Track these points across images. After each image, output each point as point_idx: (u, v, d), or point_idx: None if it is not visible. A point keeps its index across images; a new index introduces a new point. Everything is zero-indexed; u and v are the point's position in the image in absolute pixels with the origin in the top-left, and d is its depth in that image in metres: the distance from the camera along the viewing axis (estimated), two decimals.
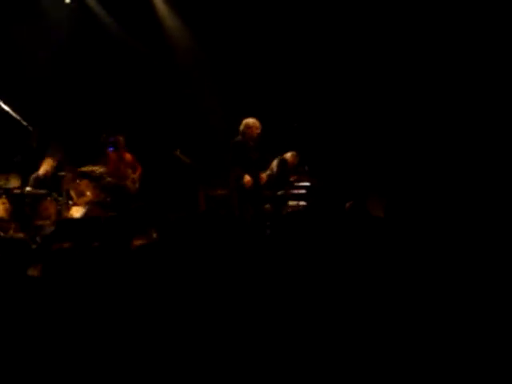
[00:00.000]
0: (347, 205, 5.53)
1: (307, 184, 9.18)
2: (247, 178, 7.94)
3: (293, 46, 10.06)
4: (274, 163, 8.57)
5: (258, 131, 8.01)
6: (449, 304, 2.78)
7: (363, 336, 2.65)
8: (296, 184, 9.17)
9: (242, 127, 8.04)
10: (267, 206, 8.32)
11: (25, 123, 8.19)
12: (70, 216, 8.29)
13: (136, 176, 9.25)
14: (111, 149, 9.07)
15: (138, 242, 5.10)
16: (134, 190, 9.10)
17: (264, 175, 8.28)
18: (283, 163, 8.59)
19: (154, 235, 6.79)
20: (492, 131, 8.49)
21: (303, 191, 9.07)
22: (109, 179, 8.73)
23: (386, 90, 9.55)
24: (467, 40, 8.69)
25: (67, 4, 10.21)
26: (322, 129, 9.98)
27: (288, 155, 8.82)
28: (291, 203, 8.72)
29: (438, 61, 9.04)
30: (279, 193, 8.67)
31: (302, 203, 8.77)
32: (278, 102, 10.02)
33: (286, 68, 10.17)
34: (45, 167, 8.81)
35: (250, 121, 8.05)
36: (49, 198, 8.39)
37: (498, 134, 8.43)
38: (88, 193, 8.54)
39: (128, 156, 9.29)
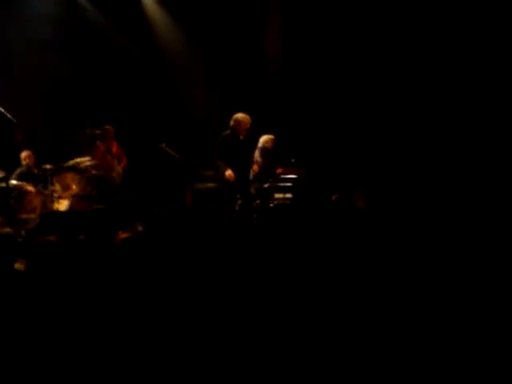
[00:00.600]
0: (333, 197, 5.56)
1: (293, 176, 9.20)
2: (229, 172, 7.97)
3: (285, 40, 10.11)
4: (256, 154, 8.60)
5: (248, 126, 8.10)
6: (433, 293, 2.80)
7: (349, 325, 2.66)
8: (282, 177, 9.19)
9: (231, 122, 8.12)
10: (257, 201, 8.37)
11: (9, 116, 8.14)
12: (55, 209, 8.25)
13: (120, 168, 9.29)
14: (99, 140, 9.09)
15: (123, 235, 5.09)
16: (119, 182, 9.12)
17: (255, 167, 8.35)
18: (265, 151, 8.60)
19: (140, 228, 6.78)
20: (473, 120, 8.55)
21: (289, 184, 9.09)
22: (94, 172, 8.70)
23: (371, 82, 9.59)
24: (467, 40, 8.74)
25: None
26: (309, 122, 10.02)
27: (267, 143, 8.77)
28: (277, 196, 8.73)
29: (427, 55, 9.09)
30: (265, 185, 8.68)
31: (288, 196, 8.79)
32: (267, 96, 10.05)
33: (275, 63, 10.21)
34: (26, 160, 8.77)
35: (240, 115, 8.14)
36: (34, 192, 8.34)
37: (481, 121, 8.49)
38: (73, 186, 8.50)
39: (115, 147, 9.33)
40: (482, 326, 2.58)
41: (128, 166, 9.56)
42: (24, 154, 8.77)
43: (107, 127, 9.25)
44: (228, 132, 8.12)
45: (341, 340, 2.61)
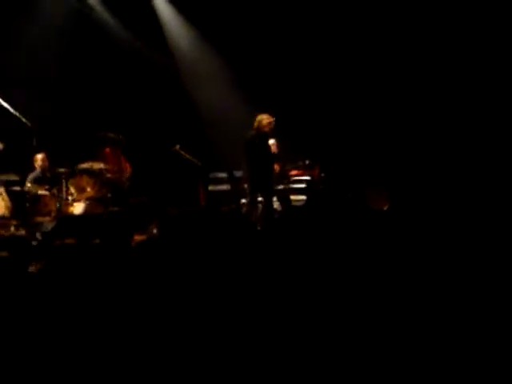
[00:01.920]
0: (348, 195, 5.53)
1: (307, 178, 9.19)
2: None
3: (295, 40, 10.10)
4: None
5: (271, 125, 8.10)
6: (449, 297, 2.78)
7: (364, 329, 2.64)
8: (296, 178, 9.18)
9: (255, 123, 8.12)
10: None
11: (24, 120, 8.18)
12: (70, 212, 8.28)
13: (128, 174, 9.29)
14: (111, 144, 9.09)
15: (138, 238, 5.10)
16: (127, 187, 9.12)
17: (277, 166, 8.37)
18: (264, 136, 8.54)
19: (155, 231, 6.79)
20: (490, 126, 8.52)
21: (303, 185, 9.08)
22: (109, 175, 8.72)
23: (386, 82, 9.56)
24: (467, 40, 8.71)
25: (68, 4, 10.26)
26: (325, 123, 9.99)
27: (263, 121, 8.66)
28: (293, 198, 8.72)
29: (437, 57, 9.06)
30: (280, 187, 8.68)
31: (302, 198, 8.77)
32: (282, 96, 10.03)
33: (287, 62, 10.19)
34: (39, 163, 8.82)
35: (263, 116, 8.14)
36: (49, 195, 8.37)
37: (496, 128, 8.46)
38: (88, 188, 8.52)
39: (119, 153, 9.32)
40: (484, 327, 2.56)
41: (142, 168, 9.56)
42: (39, 157, 8.82)
43: (119, 136, 9.20)
44: (253, 133, 8.13)
45: (353, 340, 2.59)
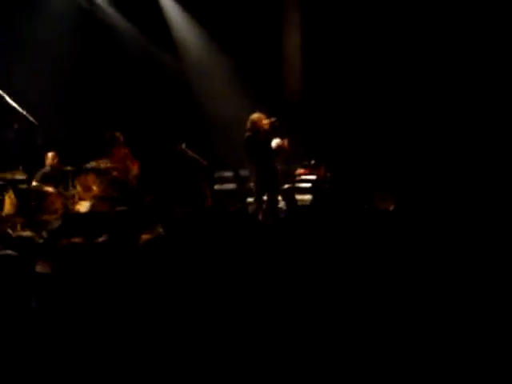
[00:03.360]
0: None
1: (313, 178, 9.18)
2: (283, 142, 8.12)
3: (304, 39, 10.11)
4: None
5: (263, 123, 8.09)
6: (454, 297, 2.78)
7: (368, 328, 2.64)
8: (301, 178, 9.17)
9: (248, 124, 8.13)
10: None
11: (31, 118, 8.20)
12: (76, 210, 8.30)
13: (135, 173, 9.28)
14: (117, 143, 9.08)
15: (145, 237, 5.10)
16: (135, 185, 9.11)
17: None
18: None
19: (160, 230, 6.78)
20: (496, 130, 8.52)
21: (309, 185, 9.07)
22: (115, 173, 8.72)
23: (393, 84, 9.55)
24: (468, 40, 8.70)
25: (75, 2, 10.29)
26: (331, 123, 9.98)
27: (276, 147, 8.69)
28: (297, 197, 8.72)
29: (449, 63, 9.06)
30: (285, 186, 8.67)
31: (308, 197, 8.77)
32: (286, 96, 10.04)
33: (294, 61, 10.20)
34: (50, 161, 8.88)
35: (255, 116, 8.14)
36: (55, 193, 8.40)
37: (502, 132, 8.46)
38: (94, 187, 8.54)
39: (128, 151, 9.30)
40: (484, 327, 2.56)
41: (147, 167, 9.57)
42: (49, 155, 8.88)
43: (116, 133, 9.19)
44: (249, 133, 8.15)
45: (355, 341, 2.59)
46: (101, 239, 4.35)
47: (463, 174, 8.12)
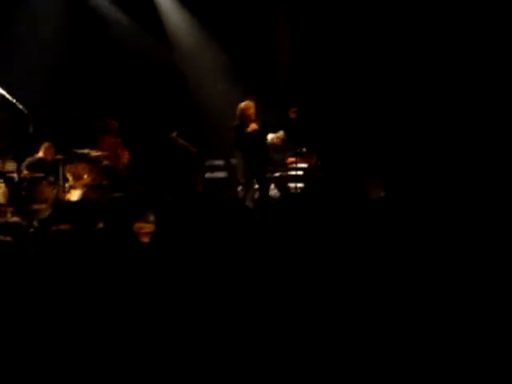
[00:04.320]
0: None
1: (304, 166, 9.19)
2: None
3: (295, 30, 10.10)
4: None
5: (252, 111, 8.11)
6: (448, 287, 2.78)
7: (361, 321, 2.64)
8: (293, 166, 9.18)
9: (237, 112, 8.15)
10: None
11: (20, 107, 8.14)
12: (67, 199, 8.27)
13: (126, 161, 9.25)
14: (107, 132, 9.04)
15: (137, 225, 5.08)
16: (126, 174, 9.09)
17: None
18: (273, 148, 8.58)
19: (152, 218, 6.77)
20: (483, 118, 8.54)
21: (300, 173, 9.08)
22: (106, 162, 8.69)
23: (382, 72, 9.55)
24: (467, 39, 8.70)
25: None
26: (321, 111, 9.98)
27: (274, 140, 8.73)
28: (289, 185, 8.73)
29: (436, 51, 9.07)
30: (277, 174, 8.68)
31: (300, 185, 8.78)
32: (278, 85, 10.03)
33: (284, 49, 10.19)
34: (43, 151, 8.85)
35: (243, 104, 8.17)
36: (45, 182, 8.37)
37: (488, 118, 8.48)
38: (85, 175, 8.51)
39: (119, 140, 9.27)
40: (483, 326, 2.55)
41: (139, 155, 9.54)
42: (45, 146, 8.87)
43: (113, 122, 9.16)
44: (237, 122, 8.17)
45: (351, 335, 2.59)
46: (98, 227, 4.34)
47: (453, 161, 8.14)
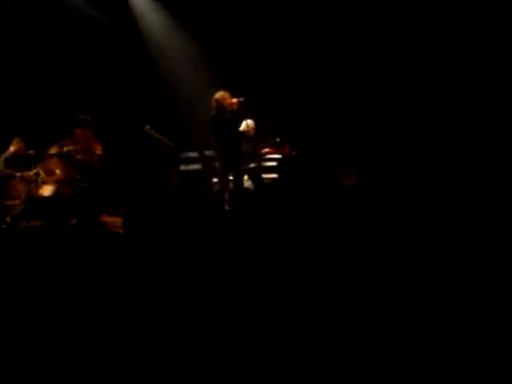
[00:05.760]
0: None
1: (278, 156, 9.19)
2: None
3: (266, 19, 10.08)
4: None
5: (228, 101, 8.06)
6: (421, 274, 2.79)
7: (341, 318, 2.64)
8: (267, 157, 9.18)
9: (213, 102, 8.09)
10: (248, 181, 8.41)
11: None
12: (39, 194, 8.20)
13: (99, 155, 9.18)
14: (80, 126, 8.96)
15: (109, 220, 5.05)
16: (99, 168, 9.03)
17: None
18: (246, 137, 8.56)
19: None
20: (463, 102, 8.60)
21: (275, 163, 9.08)
22: (78, 156, 8.62)
23: (353, 60, 9.58)
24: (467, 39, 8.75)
25: None
26: (295, 100, 9.99)
27: (246, 128, 8.69)
28: (264, 176, 8.73)
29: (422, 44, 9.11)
30: (251, 165, 8.67)
31: (274, 176, 8.78)
32: (252, 75, 10.01)
33: (258, 41, 10.17)
34: (15, 147, 8.75)
35: (219, 94, 8.11)
36: (17, 178, 8.29)
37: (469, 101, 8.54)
38: (57, 171, 8.44)
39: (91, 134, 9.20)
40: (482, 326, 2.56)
41: (113, 149, 9.47)
42: (16, 141, 8.77)
43: (86, 116, 9.06)
44: (214, 112, 8.12)
45: (334, 330, 2.59)
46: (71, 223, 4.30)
47: (427, 151, 8.20)
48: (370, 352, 2.49)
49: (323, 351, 2.49)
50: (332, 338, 2.52)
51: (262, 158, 9.12)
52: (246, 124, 8.55)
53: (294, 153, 9.27)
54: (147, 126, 8.98)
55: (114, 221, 5.05)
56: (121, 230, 4.42)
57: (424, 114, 8.72)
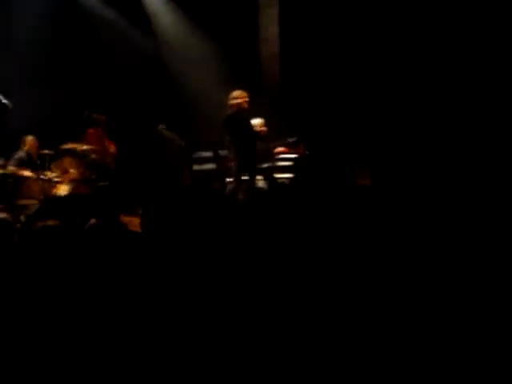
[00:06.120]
0: None
1: (293, 156, 9.17)
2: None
3: (282, 21, 10.10)
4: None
5: (247, 100, 8.05)
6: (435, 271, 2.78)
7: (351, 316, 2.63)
8: (281, 156, 9.16)
9: (231, 101, 8.05)
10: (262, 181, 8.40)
11: (4, 101, 8.06)
12: (54, 194, 8.23)
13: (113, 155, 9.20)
14: (94, 125, 8.98)
15: (126, 219, 5.06)
16: (114, 167, 9.05)
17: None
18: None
19: (141, 212, 6.73)
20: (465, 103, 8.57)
21: (289, 163, 9.06)
22: (93, 156, 8.65)
23: (368, 61, 9.57)
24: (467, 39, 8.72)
25: None
26: (310, 100, 9.99)
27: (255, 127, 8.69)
28: (277, 176, 8.71)
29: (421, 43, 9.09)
30: (265, 165, 8.66)
31: (289, 176, 8.76)
32: (264, 76, 10.02)
33: (271, 41, 10.19)
34: (28, 145, 8.76)
35: (236, 93, 8.07)
36: (32, 177, 8.31)
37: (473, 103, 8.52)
38: (72, 170, 8.47)
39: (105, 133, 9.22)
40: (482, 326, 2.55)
41: (127, 149, 9.50)
42: (29, 139, 8.77)
43: (100, 116, 9.08)
44: (230, 112, 8.08)
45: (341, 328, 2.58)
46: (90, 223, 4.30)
47: (440, 151, 8.17)
48: (372, 352, 2.49)
49: (327, 350, 2.49)
50: (340, 337, 2.52)
51: (274, 157, 9.10)
52: (257, 123, 8.53)
53: (307, 152, 9.25)
54: (161, 126, 9.00)
55: (131, 220, 5.06)
56: (138, 230, 4.44)
57: (439, 114, 8.69)
